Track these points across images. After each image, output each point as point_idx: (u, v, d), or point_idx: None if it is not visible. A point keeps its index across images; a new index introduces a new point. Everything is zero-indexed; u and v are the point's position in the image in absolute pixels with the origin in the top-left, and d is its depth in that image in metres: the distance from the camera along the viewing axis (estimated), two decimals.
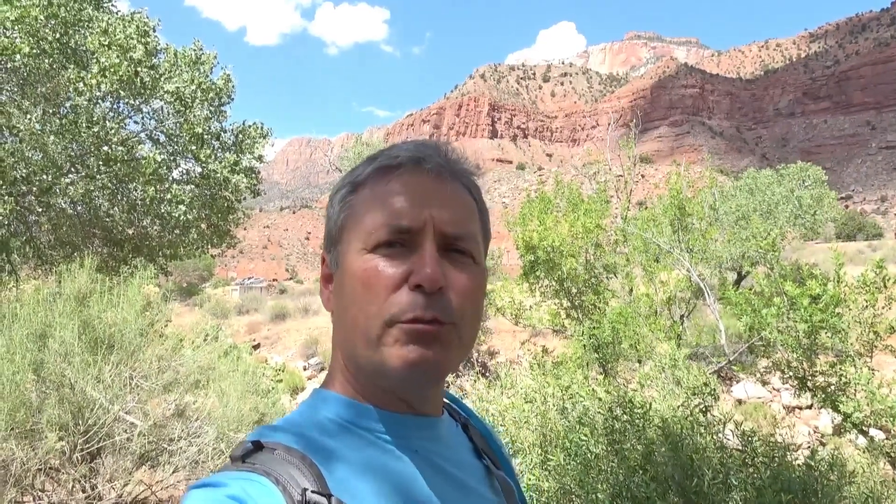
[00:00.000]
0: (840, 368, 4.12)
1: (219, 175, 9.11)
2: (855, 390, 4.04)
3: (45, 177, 7.76)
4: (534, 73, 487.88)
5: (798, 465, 2.81)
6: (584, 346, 6.32)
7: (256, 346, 21.12)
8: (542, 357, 6.13)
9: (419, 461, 0.75)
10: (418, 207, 0.73)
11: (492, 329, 16.14)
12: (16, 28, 7.06)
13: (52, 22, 7.41)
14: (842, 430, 4.14)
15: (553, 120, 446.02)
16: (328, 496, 0.63)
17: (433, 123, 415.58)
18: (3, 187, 7.25)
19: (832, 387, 4.17)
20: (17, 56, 7.02)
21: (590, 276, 7.72)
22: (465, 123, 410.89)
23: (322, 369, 18.29)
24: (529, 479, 2.81)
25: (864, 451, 3.84)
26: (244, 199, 10.31)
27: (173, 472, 4.47)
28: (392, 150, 0.80)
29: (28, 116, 7.46)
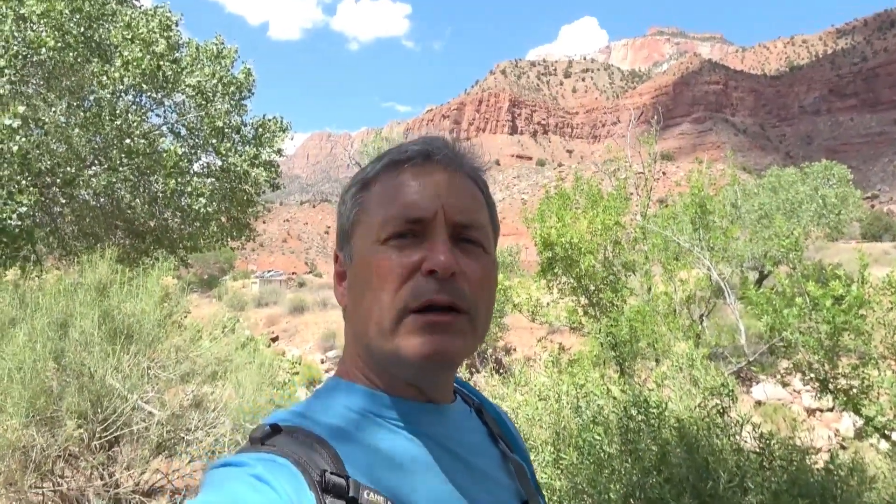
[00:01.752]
0: (863, 371, 4.05)
1: (238, 168, 9.20)
2: (878, 394, 3.97)
3: (68, 169, 7.88)
4: (555, 69, 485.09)
5: (817, 469, 2.76)
6: (602, 343, 6.27)
7: (275, 339, 21.31)
8: (559, 354, 6.10)
9: (433, 446, 0.75)
10: (429, 198, 0.74)
11: (508, 325, 16.10)
12: (41, 22, 7.18)
13: (77, 16, 7.52)
14: (863, 434, 4.06)
15: (574, 116, 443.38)
16: (346, 478, 0.64)
17: (453, 119, 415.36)
18: (29, 179, 7.37)
19: (854, 389, 4.09)
20: (43, 49, 7.13)
21: (608, 274, 7.65)
22: (484, 119, 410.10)
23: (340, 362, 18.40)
24: (541, 478, 2.80)
25: (886, 456, 3.77)
26: (263, 192, 10.40)
27: (189, 461, 4.53)
28: (401, 146, 0.81)
29: (53, 109, 7.58)
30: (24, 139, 6.87)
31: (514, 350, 16.40)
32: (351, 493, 0.63)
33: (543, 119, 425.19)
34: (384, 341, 0.72)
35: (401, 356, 0.71)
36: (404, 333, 0.70)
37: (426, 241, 0.73)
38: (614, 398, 3.04)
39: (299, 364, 16.12)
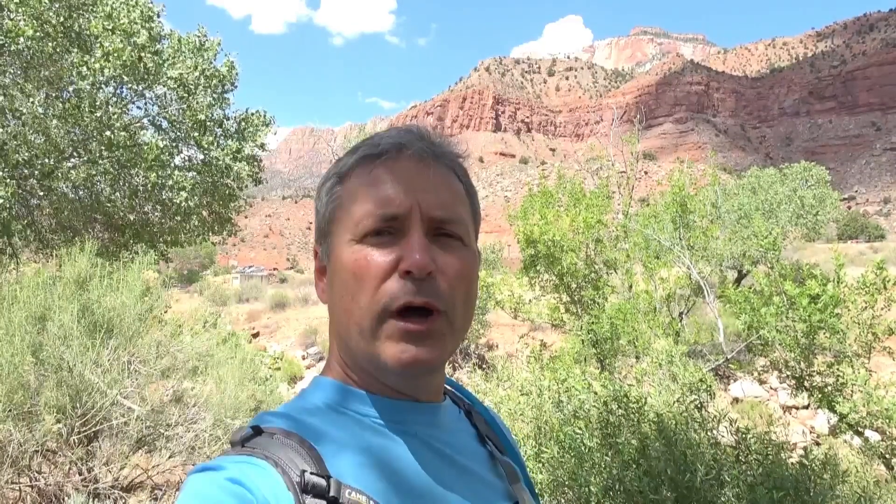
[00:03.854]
0: (837, 369, 4.12)
1: (221, 162, 9.12)
2: (852, 391, 4.04)
3: (47, 161, 7.76)
4: (539, 67, 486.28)
5: (792, 463, 2.82)
6: (583, 340, 6.32)
7: (256, 335, 21.17)
8: (540, 351, 6.14)
9: (418, 445, 0.75)
10: (403, 193, 0.73)
11: (491, 322, 16.14)
12: (20, 11, 7.04)
13: (56, 5, 7.38)
14: (837, 431, 4.14)
15: (557, 114, 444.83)
16: (327, 478, 0.64)
17: (437, 115, 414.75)
18: (6, 170, 7.24)
19: (829, 387, 4.16)
20: (21, 39, 6.99)
21: (590, 272, 7.69)
22: (468, 116, 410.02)
23: (321, 359, 18.35)
24: None
25: (858, 452, 3.85)
26: (246, 186, 10.32)
27: (170, 457, 4.50)
28: (374, 138, 0.79)
29: (31, 100, 7.45)
30: (0, 130, 6.75)
31: (496, 347, 16.46)
32: (331, 493, 0.63)
33: (527, 117, 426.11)
34: (364, 343, 0.72)
35: (380, 362, 0.71)
36: (384, 338, 0.70)
37: (402, 238, 0.72)
38: (595, 393, 3.07)
39: (281, 360, 16.03)
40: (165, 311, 5.77)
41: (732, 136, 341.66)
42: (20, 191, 7.74)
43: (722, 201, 15.67)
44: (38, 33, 7.11)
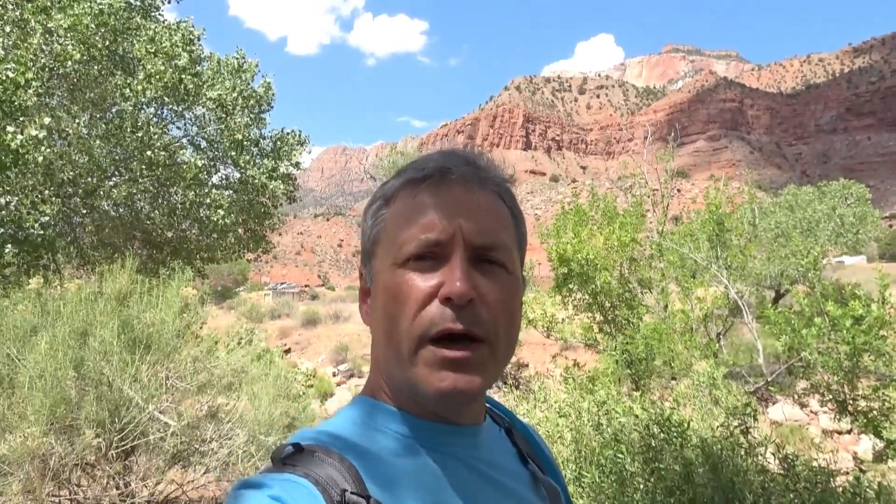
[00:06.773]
0: (883, 393, 3.98)
1: (257, 181, 9.29)
2: None
3: (90, 179, 8.00)
4: (569, 86, 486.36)
5: (842, 491, 2.72)
6: (617, 361, 6.23)
7: (287, 351, 21.34)
8: (575, 371, 6.06)
9: (459, 466, 0.74)
10: (446, 219, 0.71)
11: (521, 341, 16.01)
12: (68, 36, 7.32)
13: (102, 30, 7.65)
14: (884, 457, 4.00)
15: (588, 132, 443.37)
16: (367, 497, 0.64)
17: (467, 134, 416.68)
18: (52, 189, 7.47)
19: (874, 412, 4.03)
20: (69, 63, 7.26)
21: (624, 291, 7.61)
22: (499, 134, 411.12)
23: (351, 375, 18.42)
24: None
25: None
26: (280, 204, 10.48)
27: (204, 472, 4.52)
28: (419, 161, 0.78)
29: (76, 121, 7.71)
30: (48, 150, 6.98)
31: (527, 366, 16.31)
32: None
33: (557, 135, 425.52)
34: (402, 369, 0.71)
35: (418, 389, 0.70)
36: (421, 365, 0.69)
37: (444, 264, 0.70)
38: (636, 416, 3.00)
39: (313, 377, 16.12)
40: (202, 327, 5.84)
41: (767, 153, 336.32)
42: (64, 209, 7.97)
43: (759, 219, 15.40)
44: (84, 57, 7.37)
